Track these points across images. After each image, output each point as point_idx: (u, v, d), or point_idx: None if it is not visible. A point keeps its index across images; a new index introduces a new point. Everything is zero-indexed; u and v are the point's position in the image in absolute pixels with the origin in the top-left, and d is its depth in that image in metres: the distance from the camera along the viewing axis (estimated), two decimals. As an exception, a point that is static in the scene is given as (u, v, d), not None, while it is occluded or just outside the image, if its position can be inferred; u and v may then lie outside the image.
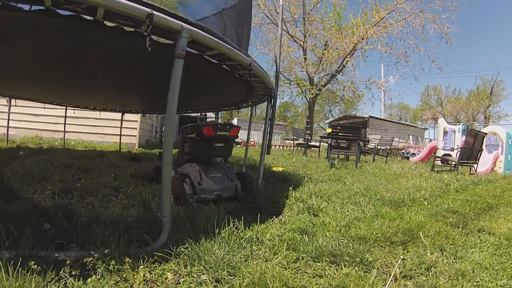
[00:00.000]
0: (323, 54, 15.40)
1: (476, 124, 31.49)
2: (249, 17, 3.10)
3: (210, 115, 11.17)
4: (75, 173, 3.86)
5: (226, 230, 1.90)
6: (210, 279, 1.43)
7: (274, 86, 3.50)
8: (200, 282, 1.40)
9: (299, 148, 12.33)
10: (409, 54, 15.16)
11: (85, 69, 3.23)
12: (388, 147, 11.35)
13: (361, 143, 8.94)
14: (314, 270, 1.62)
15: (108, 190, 3.05)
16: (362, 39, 14.58)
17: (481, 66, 72.43)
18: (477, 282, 1.59)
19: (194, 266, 1.52)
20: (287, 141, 19.66)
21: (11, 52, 2.60)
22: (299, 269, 1.62)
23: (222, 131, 2.99)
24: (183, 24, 1.72)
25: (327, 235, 2.14)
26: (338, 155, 9.81)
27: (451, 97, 36.39)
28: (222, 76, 2.93)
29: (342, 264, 1.65)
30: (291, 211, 2.75)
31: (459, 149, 7.78)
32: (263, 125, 3.60)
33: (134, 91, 4.70)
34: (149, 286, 1.37)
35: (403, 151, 14.96)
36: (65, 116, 7.33)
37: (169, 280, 1.41)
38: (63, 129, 7.49)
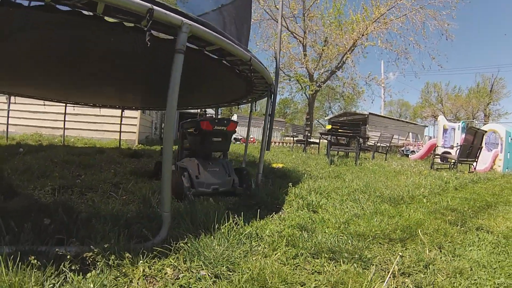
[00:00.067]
0: (323, 50, 15.34)
1: (476, 122, 31.41)
2: (249, 13, 3.08)
3: (210, 112, 11.16)
4: (75, 170, 3.87)
5: (225, 226, 1.91)
6: (210, 274, 1.43)
7: (274, 82, 3.49)
8: (199, 278, 1.41)
9: (299, 144, 12.34)
10: (409, 51, 15.24)
11: (85, 69, 3.23)
12: (388, 144, 11.35)
13: (361, 140, 8.94)
14: (313, 266, 1.62)
15: (108, 186, 3.06)
16: (362, 35, 14.52)
17: (481, 64, 72.09)
18: (475, 280, 1.60)
19: (194, 261, 1.52)
20: (286, 138, 19.67)
21: (11, 52, 2.58)
22: (298, 265, 1.63)
23: (220, 126, 3.06)
24: (183, 19, 1.71)
25: (326, 231, 2.15)
26: (338, 152, 9.82)
27: (451, 95, 36.36)
28: (222, 72, 2.93)
29: (341, 260, 1.66)
30: (290, 207, 2.76)
31: (459, 147, 7.79)
32: (263, 122, 3.60)
33: (134, 89, 4.69)
34: (148, 281, 1.37)
35: (402, 149, 14.97)
36: (65, 113, 7.31)
37: (168, 276, 1.42)
38: (62, 126, 7.49)
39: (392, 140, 12.33)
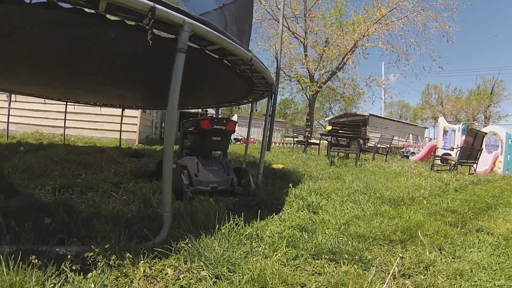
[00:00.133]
0: (323, 51, 15.35)
1: (476, 123, 31.43)
2: (250, 12, 3.08)
3: (211, 112, 11.16)
4: (75, 169, 3.87)
5: (226, 227, 1.91)
6: (210, 275, 1.43)
7: (274, 82, 3.49)
8: (200, 278, 1.41)
9: (299, 145, 12.32)
10: (410, 52, 15.17)
11: (85, 69, 3.23)
12: (388, 146, 11.34)
13: (361, 141, 8.93)
14: (313, 267, 1.62)
15: (108, 186, 3.05)
16: (363, 36, 14.53)
17: (482, 66, 72.31)
18: (475, 281, 1.60)
19: (194, 262, 1.52)
20: (287, 138, 19.66)
21: (11, 52, 2.58)
22: (299, 266, 1.62)
23: (219, 125, 3.10)
24: (185, 18, 1.71)
25: (327, 232, 2.14)
26: (338, 153, 9.81)
27: (451, 96, 36.38)
28: (223, 71, 2.93)
29: (341, 261, 1.66)
30: (290, 208, 2.76)
31: (459, 149, 7.78)
32: (263, 122, 3.60)
33: (134, 89, 4.69)
34: (149, 282, 1.37)
35: (403, 150, 14.97)
36: (65, 112, 7.32)
37: (169, 276, 1.42)
38: (63, 125, 7.49)
39: (392, 142, 12.32)
